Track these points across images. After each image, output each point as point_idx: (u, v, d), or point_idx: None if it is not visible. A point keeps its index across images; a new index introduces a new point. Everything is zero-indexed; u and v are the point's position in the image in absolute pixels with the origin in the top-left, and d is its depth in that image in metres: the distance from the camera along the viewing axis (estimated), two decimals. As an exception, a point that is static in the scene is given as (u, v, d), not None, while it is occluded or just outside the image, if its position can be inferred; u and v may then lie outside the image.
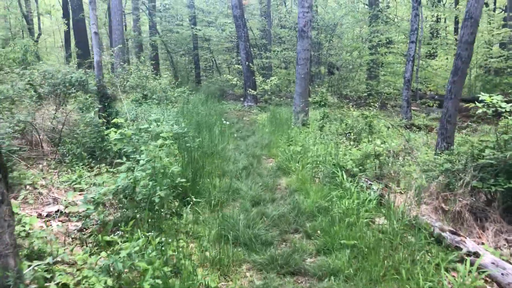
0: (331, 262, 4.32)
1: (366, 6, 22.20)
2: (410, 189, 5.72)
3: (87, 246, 4.31)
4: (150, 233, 4.21)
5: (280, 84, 20.20)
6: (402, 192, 5.95)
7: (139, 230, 4.34)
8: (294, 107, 11.81)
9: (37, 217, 4.92)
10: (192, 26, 23.85)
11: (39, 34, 27.24)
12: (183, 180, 5.48)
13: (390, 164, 6.71)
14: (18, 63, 11.77)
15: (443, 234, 4.73)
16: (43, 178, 6.10)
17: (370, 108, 10.20)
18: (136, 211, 4.84)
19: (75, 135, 7.43)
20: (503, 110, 5.28)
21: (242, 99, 18.36)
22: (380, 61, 20.25)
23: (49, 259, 3.60)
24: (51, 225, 4.76)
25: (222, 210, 5.74)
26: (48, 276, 3.52)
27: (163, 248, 4.16)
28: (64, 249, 4.13)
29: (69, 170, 6.75)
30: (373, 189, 5.97)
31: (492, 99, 5.40)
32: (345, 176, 6.35)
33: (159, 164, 5.34)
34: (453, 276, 4.06)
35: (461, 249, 4.47)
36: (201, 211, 5.58)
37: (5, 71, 9.52)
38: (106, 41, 31.17)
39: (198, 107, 12.66)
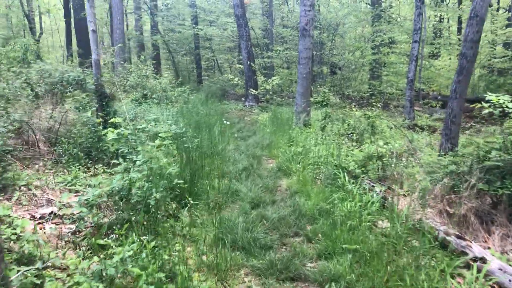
0: (332, 267, 4.17)
1: (368, 6, 22.02)
2: (413, 191, 5.57)
3: (80, 250, 4.17)
4: (144, 237, 4.07)
5: (282, 84, 20.05)
6: (406, 194, 5.80)
7: (134, 234, 4.21)
8: (295, 107, 11.66)
9: (30, 219, 4.81)
10: (194, 25, 23.74)
11: (41, 33, 27.17)
12: (181, 181, 5.33)
13: (393, 166, 6.56)
14: (18, 62, 11.65)
15: (448, 238, 4.59)
16: (38, 179, 5.97)
17: (373, 108, 10.04)
18: (131, 213, 4.70)
19: (72, 135, 7.29)
20: (510, 110, 5.13)
21: (243, 99, 18.23)
22: (382, 61, 20.08)
23: (38, 264, 3.45)
24: (44, 227, 4.63)
25: (220, 212, 5.61)
26: (38, 281, 3.38)
27: (158, 252, 4.02)
28: (56, 253, 3.99)
29: (65, 170, 6.62)
30: (375, 191, 5.82)
31: (499, 99, 5.24)
32: (347, 178, 6.21)
33: (156, 165, 5.21)
34: (459, 282, 3.92)
35: (467, 254, 4.32)
36: (199, 213, 5.44)
37: (1, 69, 9.40)
38: (108, 40, 31.07)
39: (197, 107, 12.51)
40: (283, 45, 22.66)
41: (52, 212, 4.97)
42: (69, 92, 8.04)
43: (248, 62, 17.21)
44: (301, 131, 9.89)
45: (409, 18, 21.72)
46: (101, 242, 4.05)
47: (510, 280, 3.88)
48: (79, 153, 6.85)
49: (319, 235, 4.90)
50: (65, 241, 4.37)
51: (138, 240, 4.04)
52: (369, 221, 5.08)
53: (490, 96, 5.18)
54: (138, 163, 5.09)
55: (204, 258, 4.34)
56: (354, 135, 8.57)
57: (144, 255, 3.77)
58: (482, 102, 5.38)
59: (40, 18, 29.76)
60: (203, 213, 5.48)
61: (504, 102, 5.19)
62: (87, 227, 4.60)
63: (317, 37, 19.89)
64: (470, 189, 5.06)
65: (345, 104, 15.16)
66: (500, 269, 4.00)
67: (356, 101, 18.06)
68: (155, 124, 6.43)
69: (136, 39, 26.15)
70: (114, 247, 4.05)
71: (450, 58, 23.53)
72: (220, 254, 4.26)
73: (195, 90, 18.58)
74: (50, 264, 3.67)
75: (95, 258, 3.71)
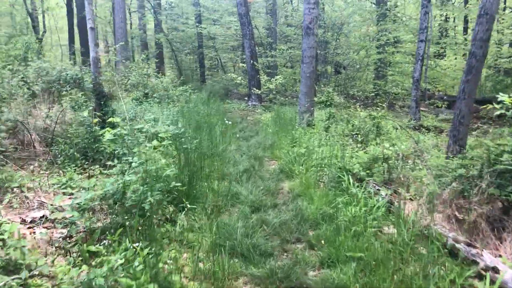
0: (335, 277, 3.96)
1: (373, 5, 21.76)
2: (421, 195, 5.34)
3: (70, 257, 3.96)
4: (137, 244, 3.86)
5: (286, 83, 19.85)
6: (412, 198, 5.57)
7: (127, 240, 4.00)
8: (299, 107, 11.44)
9: (21, 223, 4.61)
10: (197, 24, 23.56)
11: (44, 32, 27.04)
12: (178, 184, 5.13)
13: (399, 168, 6.33)
14: (19, 60, 11.50)
15: (458, 245, 4.36)
16: (32, 180, 5.77)
17: (378, 108, 9.83)
18: (126, 217, 4.50)
19: (68, 135, 7.10)
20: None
21: (246, 98, 18.02)
22: (387, 60, 19.83)
23: (23, 274, 3.25)
24: (34, 232, 4.43)
25: (219, 216, 5.41)
26: (23, 291, 3.19)
27: (152, 259, 3.82)
28: (46, 260, 3.79)
29: (60, 172, 6.42)
30: (381, 195, 5.60)
31: (512, 100, 5.01)
32: (351, 181, 5.98)
33: (154, 167, 5.01)
34: (471, 294, 3.70)
35: (477, 263, 4.10)
36: (197, 217, 5.22)
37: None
38: (111, 39, 30.97)
39: (198, 107, 12.29)
40: (287, 44, 22.45)
41: (43, 215, 4.77)
42: (66, 91, 7.85)
43: (251, 61, 17.01)
44: (305, 132, 9.66)
45: (415, 17, 21.46)
46: (93, 248, 3.86)
47: (524, 292, 3.66)
48: (75, 153, 6.65)
49: (322, 241, 4.68)
50: (56, 247, 4.16)
51: (131, 247, 3.84)
52: (374, 227, 4.86)
53: (503, 97, 4.94)
54: (134, 165, 4.90)
55: (201, 265, 4.13)
56: (359, 136, 8.33)
57: (136, 263, 3.57)
58: (493, 103, 5.14)
59: (43, 16, 29.67)
60: (202, 217, 5.26)
61: (517, 103, 4.96)
62: (80, 232, 4.40)
63: (321, 36, 19.67)
64: (480, 194, 4.82)
65: (349, 104, 14.94)
66: (514, 280, 3.78)
67: (361, 101, 17.84)
68: (153, 125, 6.22)
69: (139, 37, 26.00)
70: (106, 254, 3.86)
71: (455, 58, 23.28)
72: (217, 262, 4.05)
73: (197, 89, 18.38)
74: (37, 273, 3.47)
75: (84, 267, 3.51)
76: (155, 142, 5.33)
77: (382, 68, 19.78)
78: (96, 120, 7.13)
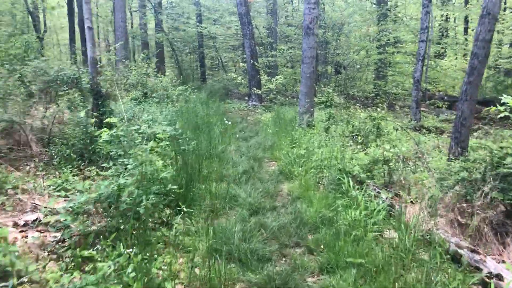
0: (335, 283, 3.85)
1: (374, 5, 21.64)
2: (422, 199, 5.24)
3: (63, 262, 3.85)
4: (130, 250, 3.75)
5: (286, 83, 19.74)
6: (414, 201, 5.46)
7: (121, 244, 3.90)
8: (299, 107, 11.33)
9: (13, 227, 4.51)
10: (198, 23, 23.46)
11: (45, 31, 26.94)
12: (174, 187, 5.03)
13: (400, 170, 6.22)
14: (18, 59, 11.38)
15: (460, 251, 4.26)
16: (26, 182, 5.67)
17: (378, 108, 9.71)
18: (121, 221, 4.40)
19: (65, 136, 7.00)
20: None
21: (246, 98, 17.91)
22: (388, 60, 19.72)
23: (11, 281, 3.15)
24: (26, 236, 4.33)
25: (217, 219, 5.32)
26: (12, 299, 3.09)
27: (146, 265, 3.72)
28: (37, 266, 3.69)
29: (57, 173, 6.32)
30: (381, 198, 5.50)
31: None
32: (351, 183, 5.87)
33: (150, 169, 4.91)
34: (474, 302, 3.60)
35: (481, 269, 4.00)
36: (194, 220, 5.11)
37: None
38: (112, 38, 30.82)
39: (198, 107, 12.17)
40: (287, 44, 22.34)
41: (37, 218, 4.67)
42: (64, 90, 7.74)
43: (252, 61, 16.91)
44: (304, 132, 9.55)
45: (415, 17, 21.35)
46: (86, 254, 3.76)
47: (529, 300, 3.56)
48: (71, 154, 6.55)
49: (321, 246, 4.57)
50: (48, 252, 4.06)
51: (125, 252, 3.74)
52: (375, 231, 4.76)
53: (506, 99, 4.83)
54: (129, 167, 4.80)
55: (197, 271, 4.03)
56: (359, 137, 8.22)
57: (130, 269, 3.47)
58: (497, 105, 5.03)
59: (44, 15, 29.55)
60: (199, 220, 5.16)
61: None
62: (74, 235, 4.29)
63: (321, 36, 19.56)
64: (483, 198, 4.73)
65: (349, 105, 14.84)
66: (518, 288, 3.68)
67: (361, 101, 17.73)
68: (150, 125, 6.11)
69: (140, 37, 25.88)
70: (99, 259, 3.77)
71: (456, 58, 23.16)
72: (213, 267, 3.94)
73: (198, 88, 18.26)
74: (26, 280, 3.36)
75: (76, 274, 3.41)
76: (151, 144, 5.22)
77: (382, 68, 19.67)
78: (93, 120, 7.04)
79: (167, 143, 6.16)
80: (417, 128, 12.90)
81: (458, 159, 6.00)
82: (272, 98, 16.78)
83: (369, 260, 4.08)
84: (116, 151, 5.19)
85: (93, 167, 6.48)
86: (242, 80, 18.83)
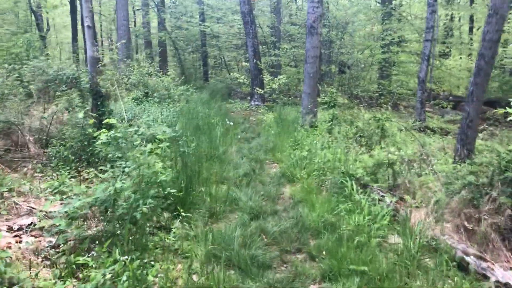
0: (337, 292, 3.73)
1: (378, 4, 21.49)
2: (427, 203, 5.10)
3: (57, 269, 3.73)
4: (126, 257, 3.63)
5: (289, 82, 19.56)
6: (419, 206, 5.32)
7: (117, 250, 3.78)
8: (302, 107, 11.18)
9: (7, 231, 4.39)
10: (201, 22, 23.34)
11: (47, 30, 26.87)
12: (173, 190, 4.90)
13: (404, 173, 6.08)
14: (20, 58, 11.31)
15: (467, 258, 4.12)
16: (23, 184, 5.56)
17: (382, 108, 9.56)
18: (117, 226, 4.28)
19: (63, 136, 6.89)
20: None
21: (249, 98, 17.77)
22: (392, 60, 19.54)
23: (0, 291, 3.04)
24: (21, 241, 4.21)
25: (217, 223, 5.20)
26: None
27: (142, 272, 3.60)
28: (29, 273, 3.57)
29: (54, 174, 6.21)
30: (386, 202, 5.36)
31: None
32: (355, 187, 5.73)
33: (149, 172, 4.79)
34: (481, 312, 3.46)
35: (488, 277, 3.86)
36: (193, 224, 4.99)
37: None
38: (116, 37, 30.75)
39: (199, 107, 12.03)
40: (291, 43, 22.17)
41: (32, 223, 4.55)
42: (63, 90, 7.63)
43: (254, 60, 16.76)
44: (307, 133, 9.41)
45: (420, 17, 21.18)
46: (80, 260, 3.65)
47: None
48: (69, 156, 6.44)
49: (324, 252, 4.44)
50: (42, 258, 3.94)
51: (120, 259, 3.62)
52: (379, 237, 4.63)
53: (515, 101, 4.69)
54: (127, 170, 4.68)
55: (195, 278, 3.91)
56: (363, 139, 8.07)
57: (125, 277, 3.35)
58: (506, 107, 4.89)
59: (47, 14, 29.46)
60: (198, 224, 5.03)
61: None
62: (69, 240, 4.17)
63: (325, 35, 19.40)
64: (491, 203, 4.59)
65: (353, 105, 14.69)
66: (528, 298, 3.55)
67: (365, 101, 17.58)
68: (150, 126, 6.00)
69: (143, 35, 25.78)
70: (94, 266, 3.65)
71: (461, 58, 22.96)
72: (211, 274, 3.82)
73: (200, 88, 18.13)
74: (17, 289, 3.25)
75: (69, 282, 3.29)
76: (150, 146, 5.10)
77: (386, 68, 19.50)
78: (92, 121, 6.92)
79: (167, 144, 6.04)
80: (421, 128, 12.74)
81: (464, 162, 5.86)
82: (275, 98, 16.63)
83: (372, 268, 3.95)
84: (113, 154, 5.07)
85: (92, 169, 6.37)
86: (245, 80, 18.68)
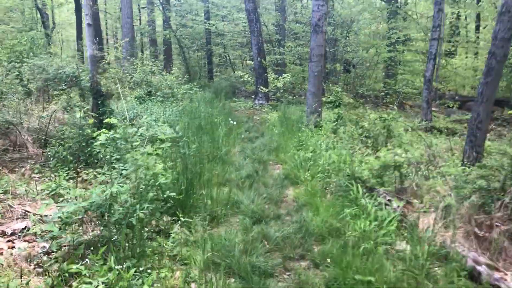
0: (342, 303, 3.55)
1: (383, 2, 21.25)
2: (436, 208, 4.90)
3: (49, 277, 3.57)
4: (120, 266, 3.47)
5: (294, 81, 19.38)
6: (426, 211, 5.13)
7: (112, 258, 3.62)
8: (306, 107, 10.99)
9: (0, 236, 4.24)
10: (205, 20, 23.20)
11: (53, 27, 26.78)
12: (172, 194, 4.74)
13: (412, 175, 5.89)
14: (24, 56, 11.18)
15: (478, 268, 3.94)
16: (19, 185, 5.40)
17: (388, 107, 9.35)
18: (114, 231, 4.12)
19: (62, 136, 6.74)
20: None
21: (253, 96, 17.61)
22: (398, 59, 19.32)
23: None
24: (13, 246, 4.06)
25: (218, 227, 5.04)
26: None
27: (138, 281, 3.45)
28: (21, 281, 3.42)
29: (52, 175, 6.06)
30: (392, 206, 5.17)
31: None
32: (360, 190, 5.54)
33: (148, 174, 4.63)
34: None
35: (501, 289, 3.68)
36: (193, 229, 4.82)
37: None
38: (121, 35, 30.63)
39: (202, 106, 11.86)
40: (296, 41, 21.99)
41: (26, 227, 4.40)
42: (63, 89, 7.49)
43: (259, 58, 16.59)
44: (312, 134, 9.23)
45: (426, 15, 20.95)
46: (73, 268, 3.49)
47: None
48: (68, 156, 6.29)
49: (328, 259, 4.26)
50: (35, 265, 3.79)
51: (115, 267, 3.46)
52: (385, 243, 4.45)
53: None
54: (124, 173, 4.52)
55: (193, 286, 3.74)
56: (369, 140, 7.87)
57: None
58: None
59: (52, 11, 29.39)
60: (198, 228, 4.86)
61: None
62: (63, 246, 4.01)
63: (330, 33, 19.20)
64: (503, 209, 4.40)
65: (358, 104, 14.49)
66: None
67: (370, 100, 17.39)
68: (149, 126, 5.84)
69: (148, 33, 25.68)
70: (87, 274, 3.49)
71: (467, 57, 22.72)
72: (210, 283, 3.65)
73: (205, 86, 17.97)
74: (6, 299, 3.10)
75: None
76: (149, 147, 4.94)
77: (392, 67, 19.28)
78: (91, 120, 6.76)
79: (169, 145, 5.88)
80: (428, 128, 12.53)
81: (473, 165, 5.67)
82: (279, 96, 16.45)
83: (379, 277, 3.77)
84: (111, 155, 4.92)
85: (91, 170, 6.21)
86: (249, 78, 18.53)
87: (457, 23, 23.91)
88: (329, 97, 14.03)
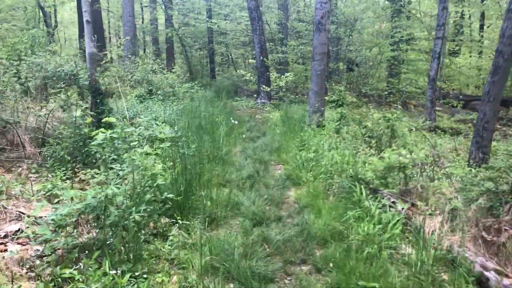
0: (345, 311, 3.42)
1: (387, 1, 21.09)
2: (442, 211, 4.76)
3: (41, 282, 3.44)
4: (115, 271, 3.34)
5: (297, 80, 19.24)
6: (432, 213, 4.98)
7: (107, 262, 3.49)
8: (308, 106, 10.85)
9: (-8, 238, 4.12)
10: (208, 19, 23.09)
11: (55, 26, 26.71)
12: (171, 195, 4.61)
13: (416, 177, 5.74)
14: (25, 54, 11.07)
15: (486, 273, 3.79)
16: (14, 186, 5.28)
17: (391, 107, 9.20)
18: (110, 233, 3.99)
19: (59, 136, 6.62)
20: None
21: (255, 95, 17.48)
22: (401, 58, 19.17)
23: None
24: (6, 249, 3.93)
25: (217, 230, 4.91)
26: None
27: (133, 286, 3.32)
28: (12, 286, 3.30)
29: (49, 175, 5.93)
30: (397, 208, 5.03)
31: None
32: (364, 191, 5.39)
33: (147, 174, 4.51)
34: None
35: (510, 296, 3.54)
36: (192, 231, 4.69)
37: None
38: (123, 34, 30.53)
39: (202, 106, 11.72)
40: (298, 40, 21.84)
41: (19, 229, 4.28)
42: (61, 88, 7.36)
43: (261, 57, 16.45)
44: (314, 133, 9.08)
45: (429, 14, 20.78)
46: (66, 273, 3.37)
47: None
48: (65, 156, 6.16)
49: (330, 264, 4.12)
50: (27, 269, 3.66)
51: (110, 272, 3.33)
52: (390, 247, 4.31)
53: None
54: (121, 173, 4.40)
55: (191, 292, 3.62)
56: (373, 140, 7.72)
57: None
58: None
59: (55, 10, 29.31)
60: (197, 231, 4.73)
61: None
62: (57, 249, 3.88)
63: (334, 32, 19.06)
64: (511, 213, 4.26)
65: (361, 103, 14.34)
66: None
67: (374, 100, 17.24)
68: (148, 126, 5.71)
69: (150, 32, 25.58)
70: (80, 280, 3.37)
71: (471, 56, 22.56)
72: (209, 290, 3.52)
73: (207, 85, 17.84)
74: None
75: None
76: (146, 147, 4.82)
77: (395, 66, 19.13)
78: (90, 119, 6.64)
79: (168, 144, 5.76)
80: (432, 128, 12.38)
81: (480, 166, 5.53)
82: (282, 95, 16.31)
83: (383, 283, 3.63)
84: (108, 155, 4.80)
85: (88, 170, 6.09)
86: (251, 77, 18.40)
87: (461, 22, 23.74)
88: (332, 96, 13.89)
